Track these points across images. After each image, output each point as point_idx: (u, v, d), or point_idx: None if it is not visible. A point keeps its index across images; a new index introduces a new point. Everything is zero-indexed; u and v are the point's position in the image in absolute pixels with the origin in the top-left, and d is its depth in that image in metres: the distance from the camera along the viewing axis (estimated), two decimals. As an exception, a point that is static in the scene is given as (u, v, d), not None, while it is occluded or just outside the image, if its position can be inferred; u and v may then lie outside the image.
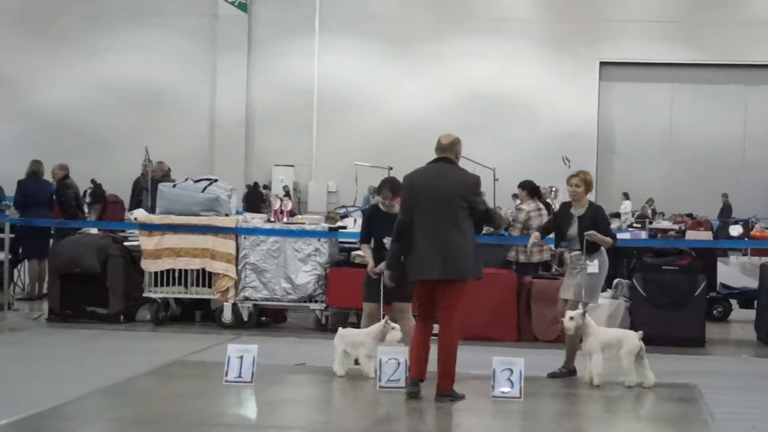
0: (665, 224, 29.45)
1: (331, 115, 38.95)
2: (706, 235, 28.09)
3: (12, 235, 14.83)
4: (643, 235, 20.12)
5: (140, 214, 14.69)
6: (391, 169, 21.88)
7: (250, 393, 9.20)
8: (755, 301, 13.77)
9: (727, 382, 10.28)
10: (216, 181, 13.92)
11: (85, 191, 28.55)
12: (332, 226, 14.01)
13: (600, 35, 38.41)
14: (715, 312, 14.84)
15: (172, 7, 39.73)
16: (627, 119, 39.33)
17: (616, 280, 13.06)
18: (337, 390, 9.68)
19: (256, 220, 14.33)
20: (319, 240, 13.21)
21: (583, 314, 9.83)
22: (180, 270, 13.44)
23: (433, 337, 9.09)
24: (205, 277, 13.41)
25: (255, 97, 39.82)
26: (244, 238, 13.31)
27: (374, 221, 10.43)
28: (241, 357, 9.41)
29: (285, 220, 14.11)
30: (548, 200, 23.18)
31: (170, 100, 39.64)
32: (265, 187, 37.65)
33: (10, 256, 14.68)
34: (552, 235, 10.76)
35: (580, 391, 9.63)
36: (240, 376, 9.35)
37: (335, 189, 38.71)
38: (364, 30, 38.99)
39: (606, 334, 9.99)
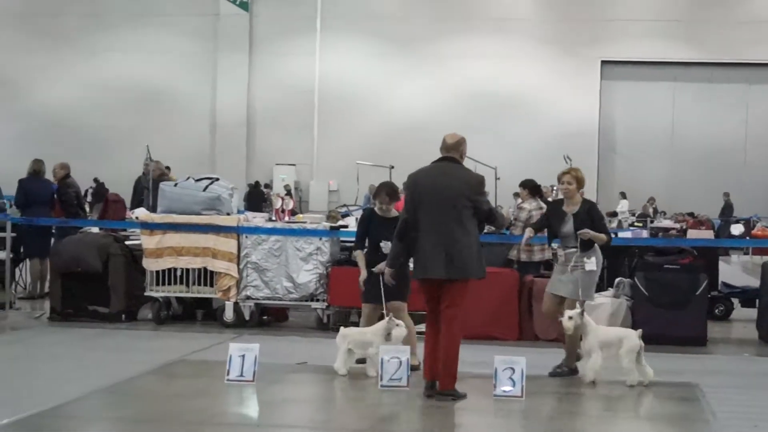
0: (667, 223, 29.45)
1: (332, 115, 38.96)
2: (707, 234, 28.13)
3: (13, 234, 14.82)
4: (645, 234, 20.11)
5: (141, 213, 14.69)
6: (392, 168, 21.89)
7: (251, 392, 9.20)
8: (757, 300, 13.76)
9: (728, 381, 10.27)
10: (217, 180, 13.92)
11: (86, 190, 28.57)
12: (333, 225, 14.00)
13: (601, 34, 38.40)
14: (716, 311, 14.83)
15: (173, 6, 39.73)
16: (628, 118, 39.32)
17: (617, 279, 13.06)
18: (338, 389, 9.68)
19: (258, 219, 14.33)
20: (320, 239, 13.22)
21: (581, 313, 9.82)
22: (181, 269, 13.45)
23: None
24: (207, 276, 13.41)
25: (256, 97, 39.83)
26: (246, 237, 13.31)
27: (370, 226, 10.47)
28: (243, 356, 9.41)
29: (286, 219, 14.11)
30: (549, 199, 23.11)
31: (171, 99, 39.66)
32: (267, 186, 37.66)
33: (11, 255, 14.67)
34: (544, 233, 10.75)
35: (582, 390, 9.63)
36: (242, 375, 9.35)
37: (336, 188, 38.73)
38: (365, 29, 39.00)
39: (605, 332, 9.99)
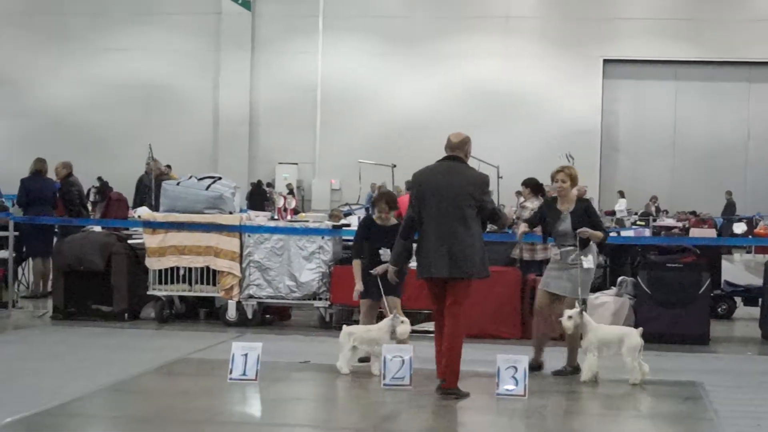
0: (669, 222, 29.50)
1: (334, 113, 38.97)
2: (710, 233, 28.16)
3: (16, 233, 14.83)
4: (647, 232, 20.13)
5: (144, 211, 14.69)
6: (394, 166, 21.91)
7: (254, 391, 9.20)
8: (760, 299, 13.75)
9: (731, 379, 10.26)
10: (220, 178, 13.92)
11: (89, 189, 28.56)
12: (336, 223, 14.01)
13: (603, 33, 38.40)
14: (719, 309, 14.82)
15: (176, 5, 39.75)
16: (631, 117, 39.33)
17: (620, 278, 13.06)
18: (341, 388, 9.67)
19: (260, 218, 14.33)
20: (323, 238, 13.22)
21: (581, 312, 9.82)
22: (184, 268, 13.44)
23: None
24: (210, 275, 13.40)
25: (258, 95, 39.85)
26: (248, 236, 13.31)
27: (369, 233, 10.50)
28: (246, 355, 9.41)
29: (289, 217, 14.11)
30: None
31: (174, 98, 39.68)
32: (269, 185, 37.67)
33: (14, 254, 14.68)
34: (537, 231, 10.73)
35: (584, 389, 9.62)
36: (244, 374, 9.34)
37: (338, 187, 38.74)
38: (367, 28, 39.00)
39: (605, 331, 9.97)
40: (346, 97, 38.91)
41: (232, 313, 13.29)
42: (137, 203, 19.29)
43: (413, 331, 10.42)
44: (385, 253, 10.23)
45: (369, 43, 39.13)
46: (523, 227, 10.48)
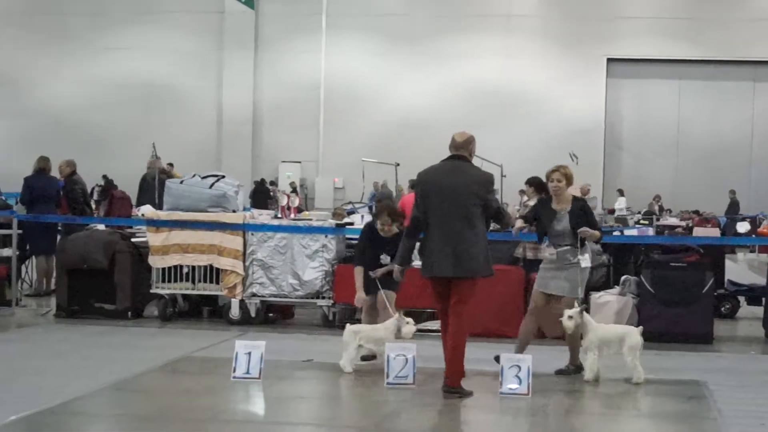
0: (672, 221, 29.48)
1: (337, 112, 39.00)
2: (713, 232, 28.15)
3: (20, 232, 14.84)
4: (651, 231, 20.11)
5: (147, 210, 14.68)
6: (398, 165, 21.93)
7: (258, 389, 9.20)
8: (763, 298, 13.73)
9: (735, 379, 10.25)
10: (223, 177, 13.92)
11: (93, 188, 28.58)
12: (339, 222, 14.01)
13: (607, 32, 38.39)
14: (722, 309, 14.80)
15: (179, 4, 39.78)
16: (634, 116, 39.33)
17: (623, 277, 13.05)
18: (344, 386, 9.67)
19: (264, 216, 14.33)
20: (326, 236, 13.21)
21: (581, 312, 9.81)
22: (187, 266, 13.45)
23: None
24: (213, 274, 13.41)
25: (262, 94, 39.87)
26: (252, 234, 13.31)
27: (371, 242, 10.53)
28: (249, 353, 9.41)
29: (292, 216, 14.11)
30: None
31: (177, 97, 39.72)
32: (272, 183, 37.71)
33: (17, 252, 14.69)
34: (530, 229, 10.70)
35: (588, 388, 9.61)
36: (248, 373, 9.35)
37: (342, 185, 38.76)
38: (371, 27, 39.01)
39: (605, 330, 9.96)
40: (349, 96, 38.93)
41: (235, 312, 13.30)
42: (141, 202, 19.28)
43: (417, 330, 10.41)
44: (385, 259, 10.33)
45: (372, 42, 39.14)
46: (519, 223, 10.48)
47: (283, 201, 14.55)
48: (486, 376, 9.57)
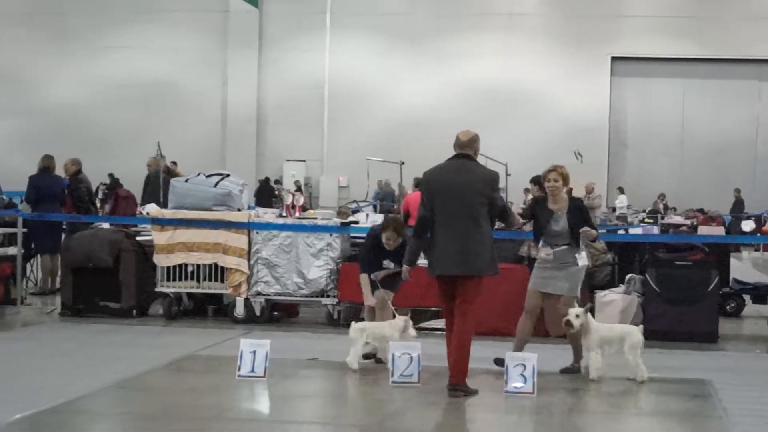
0: (677, 219, 29.46)
1: (342, 111, 38.98)
2: (718, 231, 28.11)
3: (24, 230, 14.85)
4: (655, 230, 20.10)
5: (152, 208, 14.68)
6: (402, 164, 21.90)
7: (263, 388, 9.20)
8: (768, 297, 13.75)
9: (740, 378, 10.24)
10: (228, 176, 13.92)
11: (97, 187, 28.61)
12: (344, 221, 14.01)
13: (611, 30, 38.36)
14: (728, 307, 14.78)
15: (183, 3, 39.79)
16: (639, 114, 39.29)
17: (628, 276, 13.05)
18: (349, 385, 9.68)
19: (268, 215, 14.34)
20: (331, 235, 13.21)
21: (586, 311, 9.81)
22: (192, 265, 13.45)
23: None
24: (218, 272, 13.41)
25: (266, 93, 39.88)
26: (257, 233, 13.31)
27: (376, 250, 10.57)
28: (254, 352, 9.41)
29: (297, 215, 14.11)
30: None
31: (181, 96, 39.73)
32: (277, 182, 37.71)
33: (22, 251, 14.70)
34: (528, 228, 10.69)
35: (593, 387, 9.61)
36: (253, 371, 9.35)
37: (346, 184, 38.76)
38: (375, 26, 39.01)
39: (606, 330, 9.96)
40: (354, 95, 38.93)
41: (240, 310, 13.30)
42: (145, 200, 19.28)
43: (421, 329, 10.43)
44: (389, 264, 10.46)
45: (376, 40, 39.14)
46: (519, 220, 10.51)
47: (288, 200, 14.57)
48: (491, 375, 9.57)
